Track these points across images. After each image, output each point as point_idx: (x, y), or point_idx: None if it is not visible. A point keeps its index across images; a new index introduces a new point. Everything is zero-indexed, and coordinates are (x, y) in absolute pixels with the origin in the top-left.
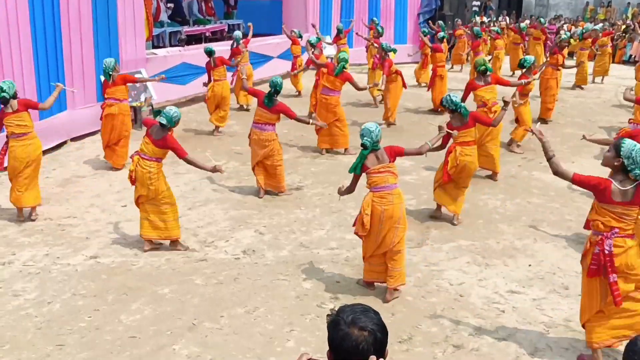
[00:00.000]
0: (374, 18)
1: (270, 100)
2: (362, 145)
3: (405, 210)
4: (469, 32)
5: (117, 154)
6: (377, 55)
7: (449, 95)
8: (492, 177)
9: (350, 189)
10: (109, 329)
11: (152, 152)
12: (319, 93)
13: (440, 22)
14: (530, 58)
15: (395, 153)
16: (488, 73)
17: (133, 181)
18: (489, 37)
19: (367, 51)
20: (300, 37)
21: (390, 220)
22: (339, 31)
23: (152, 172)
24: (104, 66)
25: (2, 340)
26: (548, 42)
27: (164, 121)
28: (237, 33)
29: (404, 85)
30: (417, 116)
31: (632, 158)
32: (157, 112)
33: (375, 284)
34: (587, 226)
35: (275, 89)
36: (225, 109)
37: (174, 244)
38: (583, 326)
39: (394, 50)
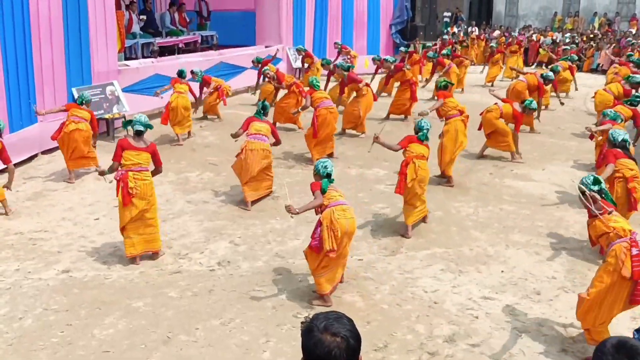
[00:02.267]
0: (336, 42)
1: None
2: (328, 175)
3: (380, 218)
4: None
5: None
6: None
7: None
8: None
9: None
10: (82, 343)
11: (146, 160)
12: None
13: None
14: (534, 104)
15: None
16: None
17: (129, 200)
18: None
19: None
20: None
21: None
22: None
23: (152, 182)
24: (80, 95)
25: None
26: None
27: (141, 127)
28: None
29: (375, 98)
30: (390, 125)
31: None
32: (127, 122)
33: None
34: (594, 244)
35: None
36: (188, 117)
37: (157, 255)
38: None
39: (351, 67)
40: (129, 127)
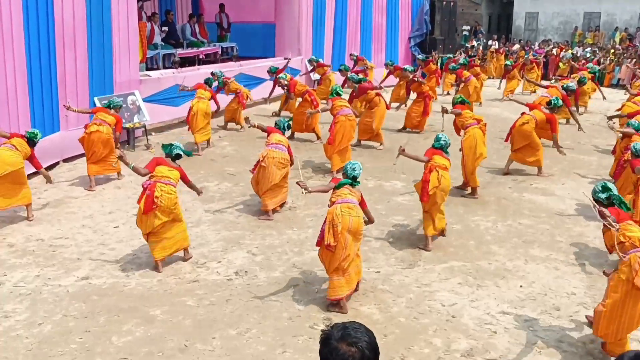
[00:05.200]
0: (352, 53)
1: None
2: (354, 177)
3: (397, 230)
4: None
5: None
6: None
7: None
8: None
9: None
10: (100, 350)
11: (175, 177)
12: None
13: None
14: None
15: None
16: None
17: (151, 208)
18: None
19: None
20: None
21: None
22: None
23: (177, 198)
24: (110, 100)
25: None
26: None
27: (180, 152)
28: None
29: (387, 107)
30: (407, 137)
31: None
32: (167, 146)
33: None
34: (612, 250)
35: (284, 126)
36: (208, 123)
37: (187, 252)
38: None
39: (362, 80)
40: (171, 150)
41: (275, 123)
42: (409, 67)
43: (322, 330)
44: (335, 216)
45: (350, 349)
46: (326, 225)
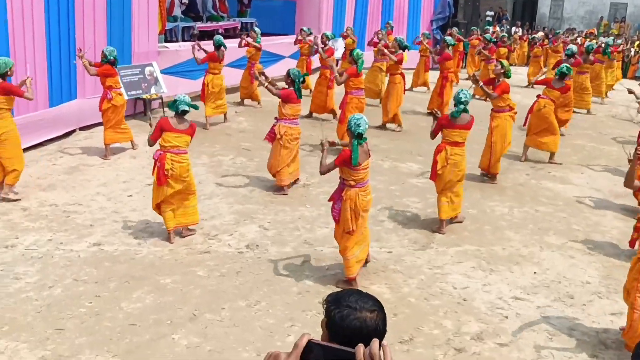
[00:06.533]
0: (389, 22)
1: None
2: (359, 134)
3: (411, 212)
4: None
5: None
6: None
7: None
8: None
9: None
10: (109, 315)
11: (185, 143)
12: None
13: (455, 28)
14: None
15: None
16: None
17: (165, 181)
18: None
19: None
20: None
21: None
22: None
23: (189, 164)
24: (109, 51)
25: (1, 322)
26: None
27: (186, 107)
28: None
29: (404, 91)
30: (426, 120)
31: None
32: (172, 103)
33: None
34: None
35: (299, 80)
36: (222, 98)
37: (193, 230)
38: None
39: (407, 47)
40: (177, 107)
41: (288, 73)
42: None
43: (323, 299)
44: (357, 204)
45: (365, 313)
46: (347, 212)
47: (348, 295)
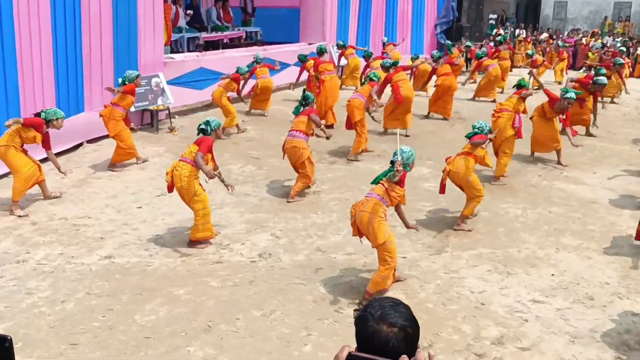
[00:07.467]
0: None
1: (297, 109)
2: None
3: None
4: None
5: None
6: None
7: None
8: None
9: None
10: (122, 328)
11: (189, 152)
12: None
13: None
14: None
15: None
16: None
17: (170, 189)
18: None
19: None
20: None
21: None
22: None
23: (182, 173)
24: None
25: (15, 338)
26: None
27: (203, 125)
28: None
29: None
30: (432, 125)
31: None
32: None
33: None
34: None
35: (307, 102)
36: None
37: (192, 244)
38: None
39: (395, 63)
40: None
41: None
42: (435, 52)
43: (355, 310)
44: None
45: (392, 329)
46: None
47: (375, 310)
